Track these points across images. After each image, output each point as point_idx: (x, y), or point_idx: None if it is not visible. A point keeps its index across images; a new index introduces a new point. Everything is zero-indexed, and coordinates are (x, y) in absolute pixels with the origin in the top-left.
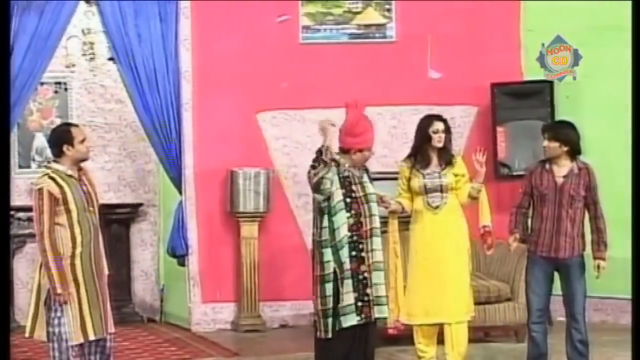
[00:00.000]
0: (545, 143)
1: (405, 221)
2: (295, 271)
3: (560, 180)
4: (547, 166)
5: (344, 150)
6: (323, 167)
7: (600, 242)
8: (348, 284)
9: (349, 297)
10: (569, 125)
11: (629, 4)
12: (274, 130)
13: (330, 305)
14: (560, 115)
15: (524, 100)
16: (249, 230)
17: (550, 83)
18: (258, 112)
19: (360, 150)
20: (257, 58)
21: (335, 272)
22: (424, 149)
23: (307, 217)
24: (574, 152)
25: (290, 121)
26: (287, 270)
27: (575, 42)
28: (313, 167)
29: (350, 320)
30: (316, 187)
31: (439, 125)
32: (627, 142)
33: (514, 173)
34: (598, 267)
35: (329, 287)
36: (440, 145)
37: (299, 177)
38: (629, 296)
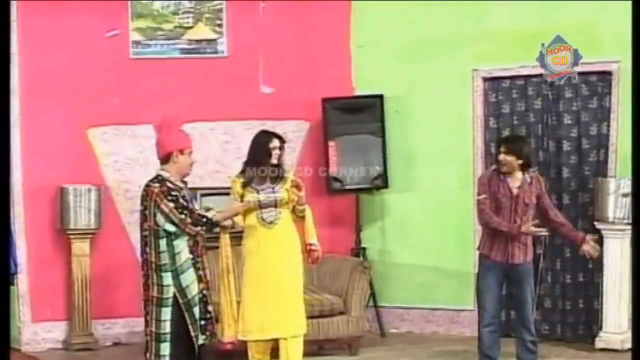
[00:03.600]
0: (502, 157)
1: (236, 236)
2: (128, 288)
3: (515, 191)
4: (502, 177)
5: (165, 162)
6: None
7: (574, 229)
8: (196, 310)
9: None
10: (523, 140)
11: (457, 18)
12: (105, 146)
13: (168, 330)
14: (390, 130)
15: (354, 115)
16: (80, 247)
17: (380, 98)
18: (88, 127)
19: (181, 153)
20: (87, 73)
21: (175, 296)
22: (261, 164)
23: (139, 233)
24: (527, 165)
25: (122, 137)
26: (119, 287)
27: (404, 57)
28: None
29: (199, 340)
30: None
31: (276, 142)
32: (455, 152)
33: (346, 187)
34: (589, 243)
35: (167, 312)
36: (277, 162)
37: (130, 193)
38: (458, 307)
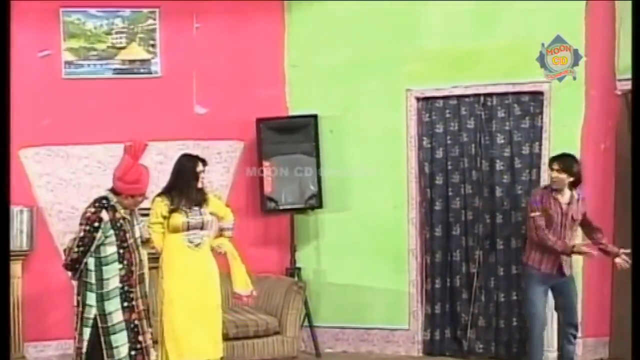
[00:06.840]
0: (554, 174)
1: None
2: (61, 310)
3: (565, 207)
4: (553, 193)
5: (116, 192)
6: (84, 251)
7: (609, 244)
8: (122, 336)
9: (124, 349)
10: (574, 158)
11: (390, 39)
12: (37, 167)
13: (85, 349)
14: (324, 149)
15: (289, 135)
16: (12, 269)
17: (315, 118)
18: (20, 148)
19: (132, 196)
20: (18, 93)
21: (95, 319)
22: (189, 188)
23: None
24: (577, 182)
25: (54, 157)
26: (52, 309)
27: (338, 77)
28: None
29: None
30: (72, 260)
31: (202, 166)
32: (389, 172)
33: (281, 207)
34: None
35: (87, 332)
36: (201, 185)
37: (63, 215)
38: (393, 326)
